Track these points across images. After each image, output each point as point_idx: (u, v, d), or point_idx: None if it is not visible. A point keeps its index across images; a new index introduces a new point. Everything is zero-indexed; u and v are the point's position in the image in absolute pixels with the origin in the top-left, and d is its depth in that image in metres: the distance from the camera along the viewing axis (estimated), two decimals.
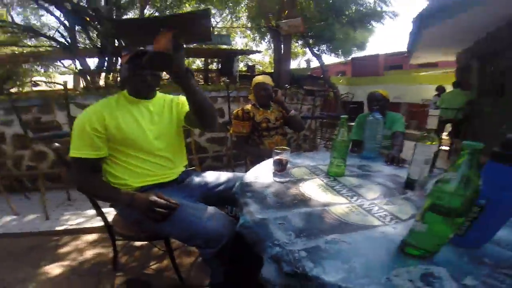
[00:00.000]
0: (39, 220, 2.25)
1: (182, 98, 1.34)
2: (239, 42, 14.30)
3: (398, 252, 0.65)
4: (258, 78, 2.04)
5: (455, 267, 0.60)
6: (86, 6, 5.24)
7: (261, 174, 1.19)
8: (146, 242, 1.84)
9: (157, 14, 7.16)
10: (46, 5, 5.79)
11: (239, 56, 10.75)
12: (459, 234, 0.67)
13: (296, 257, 0.62)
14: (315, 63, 13.84)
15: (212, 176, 1.39)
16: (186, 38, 0.98)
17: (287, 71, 7.52)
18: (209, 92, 3.95)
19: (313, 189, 1.03)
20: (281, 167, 1.16)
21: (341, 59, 10.70)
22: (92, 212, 2.33)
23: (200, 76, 8.38)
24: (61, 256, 1.79)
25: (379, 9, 7.48)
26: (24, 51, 7.77)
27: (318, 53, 8.83)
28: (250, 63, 14.05)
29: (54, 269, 1.63)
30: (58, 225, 2.16)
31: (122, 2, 6.03)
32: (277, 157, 1.14)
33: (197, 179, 1.36)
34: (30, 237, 2.05)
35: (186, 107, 1.27)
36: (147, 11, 6.50)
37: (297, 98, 5.08)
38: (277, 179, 1.12)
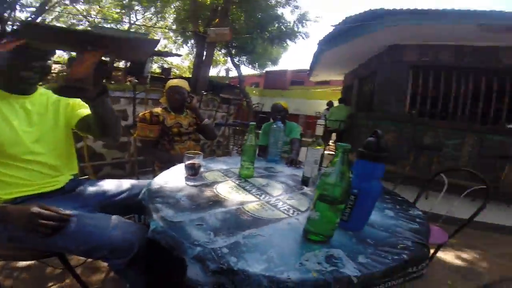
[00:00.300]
0: None
1: (74, 100, 1.16)
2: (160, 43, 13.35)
3: (303, 239, 0.75)
4: (174, 81, 1.98)
5: (348, 248, 0.72)
6: None
7: (171, 179, 1.15)
8: (33, 262, 1.56)
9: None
10: None
11: (154, 57, 10.06)
12: (344, 219, 0.82)
13: (219, 254, 0.64)
14: (233, 73, 14.31)
15: (111, 184, 1.26)
16: (117, 57, 0.83)
17: (205, 78, 7.50)
18: (112, 92, 3.41)
19: (227, 190, 1.08)
20: (193, 171, 1.15)
21: (257, 71, 11.43)
22: None
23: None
24: None
25: (295, 29, 8.35)
26: None
27: (238, 63, 9.20)
28: (166, 66, 13.33)
29: None
30: None
31: None
32: (190, 161, 1.14)
33: (92, 188, 1.21)
34: None
35: (81, 112, 1.14)
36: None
37: (213, 105, 5.11)
38: (190, 183, 1.11)
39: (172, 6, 9.31)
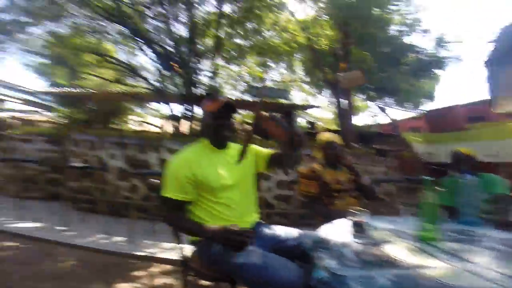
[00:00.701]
0: (124, 243, 2.80)
1: (256, 148, 1.58)
2: (296, 96, 15.09)
3: None
4: (325, 136, 2.19)
5: None
6: (174, 51, 6.36)
7: (336, 232, 1.24)
8: (213, 283, 2.04)
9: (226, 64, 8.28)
10: (144, 46, 7.09)
11: (296, 112, 11.25)
12: None
13: None
14: (382, 119, 13.67)
15: (282, 230, 1.49)
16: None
17: (351, 128, 7.58)
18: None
19: (400, 251, 1.04)
20: (359, 229, 1.22)
21: (412, 113, 10.45)
22: (169, 245, 2.76)
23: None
24: (133, 278, 2.15)
25: (438, 55, 7.44)
26: (125, 90, 9.58)
27: (383, 107, 8.85)
28: (311, 119, 14.53)
29: None
30: (139, 250, 2.63)
31: (200, 50, 7.21)
32: (356, 218, 1.22)
33: (268, 231, 1.48)
34: (112, 255, 2.56)
35: (267, 152, 1.54)
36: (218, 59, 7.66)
37: (368, 158, 5.04)
38: (356, 240, 1.16)
39: (298, 58, 10.33)
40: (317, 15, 8.10)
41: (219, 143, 1.48)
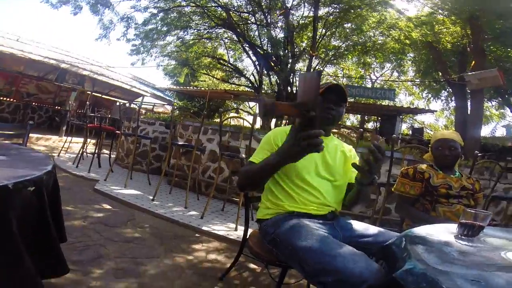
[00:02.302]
0: (195, 218, 3.08)
1: (353, 151, 1.55)
2: (401, 100, 13.65)
3: None
4: (444, 133, 1.97)
5: None
6: (271, 51, 6.83)
7: (435, 232, 1.03)
8: (260, 267, 2.21)
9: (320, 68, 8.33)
10: (247, 49, 8.04)
11: (402, 116, 10.17)
12: None
13: None
14: None
15: (360, 226, 1.40)
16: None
17: (476, 138, 6.28)
18: (365, 149, 3.91)
19: None
20: (470, 232, 0.99)
21: None
22: (233, 225, 2.98)
23: (353, 135, 8.46)
24: (190, 251, 2.31)
25: None
26: (230, 89, 10.99)
27: None
28: (416, 125, 12.90)
29: (179, 259, 2.13)
30: (205, 226, 2.86)
31: (295, 51, 7.50)
32: (470, 219, 0.99)
33: (344, 223, 1.41)
34: (182, 227, 2.82)
35: (352, 178, 1.38)
36: (314, 60, 7.73)
37: (491, 173, 4.15)
38: (463, 242, 0.95)
39: (408, 58, 9.23)
40: (434, 11, 7.05)
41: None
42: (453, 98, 8.81)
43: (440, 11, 7.01)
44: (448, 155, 1.85)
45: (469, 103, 6.67)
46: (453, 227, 1.08)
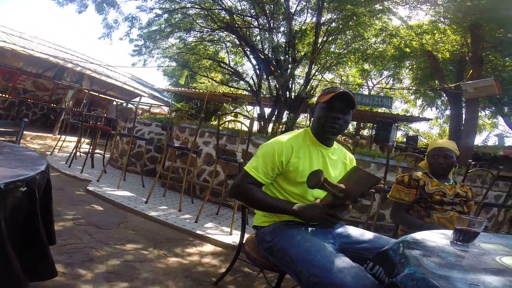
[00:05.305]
0: (189, 221, 3.04)
1: (354, 162, 1.53)
2: (397, 107, 13.79)
3: None
4: (439, 142, 2.01)
5: None
6: (271, 56, 6.90)
7: (431, 238, 1.04)
8: (256, 272, 2.17)
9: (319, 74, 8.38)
10: (248, 52, 8.03)
11: (398, 124, 10.25)
12: None
13: None
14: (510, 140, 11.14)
15: (356, 231, 1.39)
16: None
17: (469, 147, 6.33)
18: (362, 156, 3.92)
19: None
20: (466, 237, 1.00)
21: None
22: (227, 229, 2.93)
23: (349, 141, 8.52)
24: (184, 255, 2.28)
25: None
26: (228, 92, 10.95)
27: None
28: (411, 133, 13.02)
29: (172, 263, 2.10)
30: (199, 229, 2.83)
31: (297, 57, 7.54)
32: (465, 226, 1.01)
33: (340, 230, 1.39)
34: (176, 230, 2.78)
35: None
36: (314, 66, 7.81)
37: (483, 181, 4.22)
38: (459, 248, 0.96)
39: (406, 66, 9.32)
40: (435, 20, 7.15)
41: (322, 136, 1.39)
42: (447, 107, 8.91)
43: (442, 19, 7.11)
44: (443, 163, 1.89)
45: (463, 112, 6.73)
46: (448, 233, 1.10)
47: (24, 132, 1.95)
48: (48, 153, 5.47)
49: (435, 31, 7.42)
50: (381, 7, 6.75)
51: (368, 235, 1.36)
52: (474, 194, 2.06)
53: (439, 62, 7.54)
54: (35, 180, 0.97)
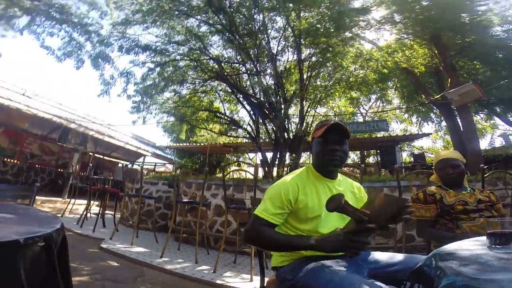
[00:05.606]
0: (207, 272, 3.01)
1: (362, 191, 1.50)
2: (395, 129, 13.84)
3: None
4: (442, 154, 2.03)
5: None
6: (263, 99, 7.08)
7: (464, 246, 1.01)
8: None
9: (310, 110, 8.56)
10: (242, 99, 8.20)
11: (400, 145, 10.22)
12: None
13: None
14: None
15: (383, 255, 1.34)
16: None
17: (477, 152, 6.23)
18: (372, 183, 3.93)
19: None
20: (503, 240, 0.97)
21: None
22: (247, 276, 2.90)
23: (357, 171, 8.37)
24: None
25: None
26: (228, 142, 10.98)
27: None
28: (416, 152, 12.90)
29: None
30: (219, 279, 2.79)
31: (287, 96, 7.76)
32: (496, 229, 0.99)
33: (365, 256, 1.32)
34: (195, 281, 2.73)
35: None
36: (305, 103, 7.98)
37: (504, 182, 4.12)
38: (499, 251, 0.92)
39: (390, 86, 9.51)
40: (399, 37, 7.56)
41: (325, 170, 1.39)
42: (442, 119, 8.95)
43: (405, 36, 7.48)
44: (453, 173, 1.89)
45: (459, 120, 6.75)
46: (479, 240, 1.07)
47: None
48: (59, 215, 5.43)
49: (404, 48, 7.77)
50: (350, 34, 7.12)
51: (398, 256, 1.30)
52: (498, 197, 2.01)
53: (418, 77, 7.76)
54: (51, 236, 1.01)
